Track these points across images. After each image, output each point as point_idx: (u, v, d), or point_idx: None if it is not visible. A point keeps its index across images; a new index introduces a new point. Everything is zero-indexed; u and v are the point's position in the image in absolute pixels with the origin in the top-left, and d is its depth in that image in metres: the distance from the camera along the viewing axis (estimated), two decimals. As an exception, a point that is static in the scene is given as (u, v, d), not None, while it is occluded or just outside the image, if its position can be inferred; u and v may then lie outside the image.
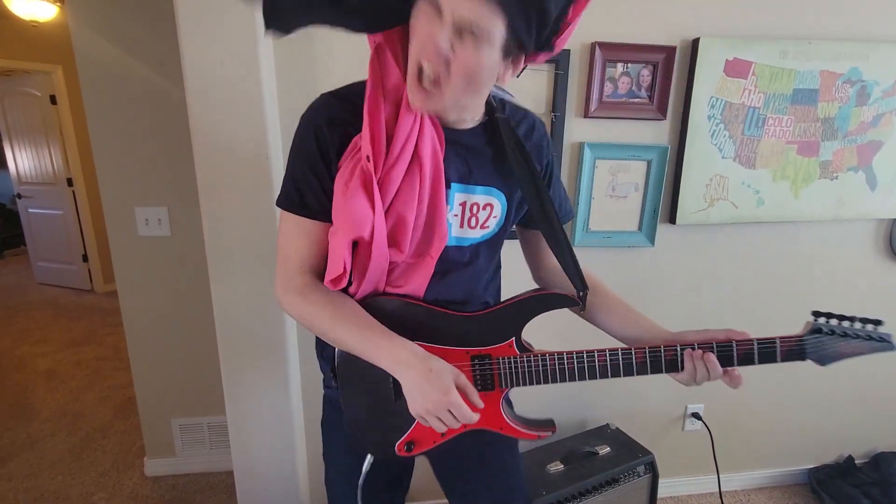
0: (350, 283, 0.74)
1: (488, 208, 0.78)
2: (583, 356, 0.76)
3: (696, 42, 1.43)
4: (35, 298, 4.24)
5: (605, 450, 1.55)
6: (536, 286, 0.94)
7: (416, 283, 0.75)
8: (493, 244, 0.82)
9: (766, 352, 0.74)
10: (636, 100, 1.47)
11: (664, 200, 1.57)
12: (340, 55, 1.34)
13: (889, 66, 1.51)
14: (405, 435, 0.77)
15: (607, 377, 0.77)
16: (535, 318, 0.79)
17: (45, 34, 3.75)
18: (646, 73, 1.45)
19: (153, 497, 1.88)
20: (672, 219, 1.58)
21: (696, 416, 1.81)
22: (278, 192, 0.75)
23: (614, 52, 1.42)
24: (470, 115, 0.73)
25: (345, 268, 0.70)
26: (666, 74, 1.46)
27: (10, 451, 2.15)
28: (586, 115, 1.46)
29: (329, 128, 0.69)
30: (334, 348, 0.79)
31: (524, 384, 0.78)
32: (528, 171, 0.75)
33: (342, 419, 0.81)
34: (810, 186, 1.59)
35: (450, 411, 0.68)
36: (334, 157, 0.70)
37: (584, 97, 1.46)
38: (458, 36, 0.58)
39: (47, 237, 4.43)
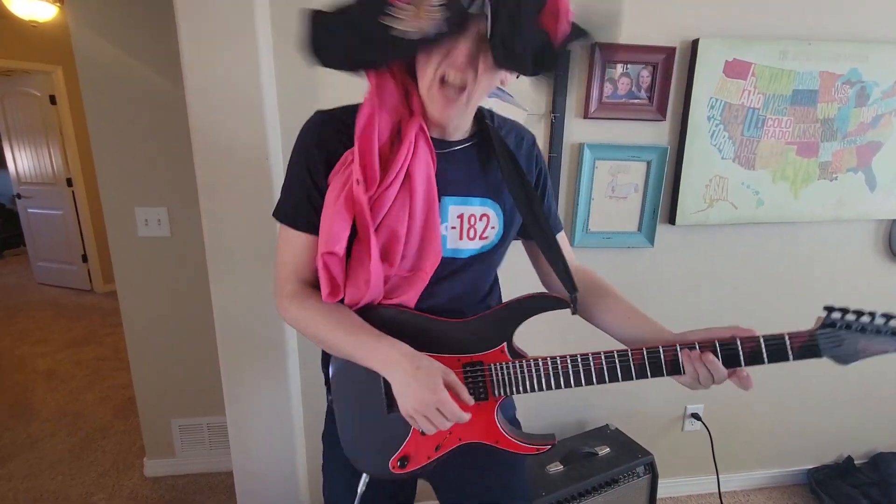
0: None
1: (485, 219, 0.78)
2: (577, 360, 0.74)
3: (695, 43, 1.44)
4: (35, 298, 4.24)
5: (604, 450, 1.56)
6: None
7: (409, 296, 0.75)
8: (491, 256, 0.82)
9: (776, 349, 0.67)
10: (636, 100, 1.47)
11: (664, 201, 1.57)
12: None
13: (888, 67, 1.52)
14: (398, 451, 0.76)
15: (605, 382, 0.74)
16: (537, 322, 0.77)
17: (45, 34, 3.75)
18: (645, 74, 1.46)
19: (153, 497, 1.88)
20: (672, 219, 1.58)
21: (695, 416, 1.82)
22: (277, 193, 0.76)
23: (614, 52, 1.42)
24: (464, 125, 0.76)
25: (334, 283, 0.72)
26: (665, 75, 1.46)
27: (10, 451, 2.15)
28: (586, 115, 1.47)
29: (318, 148, 0.72)
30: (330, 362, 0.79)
31: (518, 391, 0.76)
32: (518, 178, 0.77)
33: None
34: (810, 187, 1.59)
35: (439, 410, 0.67)
36: (322, 176, 0.72)
37: (583, 98, 1.46)
38: (483, 43, 0.62)
39: (47, 237, 4.43)
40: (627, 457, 1.53)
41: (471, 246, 0.79)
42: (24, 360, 3.06)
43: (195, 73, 1.21)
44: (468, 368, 0.76)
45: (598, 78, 1.43)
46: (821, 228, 1.68)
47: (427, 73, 0.66)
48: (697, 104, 1.47)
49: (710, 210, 1.57)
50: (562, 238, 0.88)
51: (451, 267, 0.78)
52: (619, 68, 1.44)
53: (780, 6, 1.46)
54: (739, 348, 0.68)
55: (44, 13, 3.27)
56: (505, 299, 0.83)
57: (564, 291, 0.81)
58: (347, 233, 0.70)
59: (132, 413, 2.35)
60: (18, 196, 4.51)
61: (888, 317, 0.65)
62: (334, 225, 0.69)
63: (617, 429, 1.68)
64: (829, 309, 0.67)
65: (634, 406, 1.79)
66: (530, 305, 0.77)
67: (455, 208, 0.76)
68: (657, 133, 1.53)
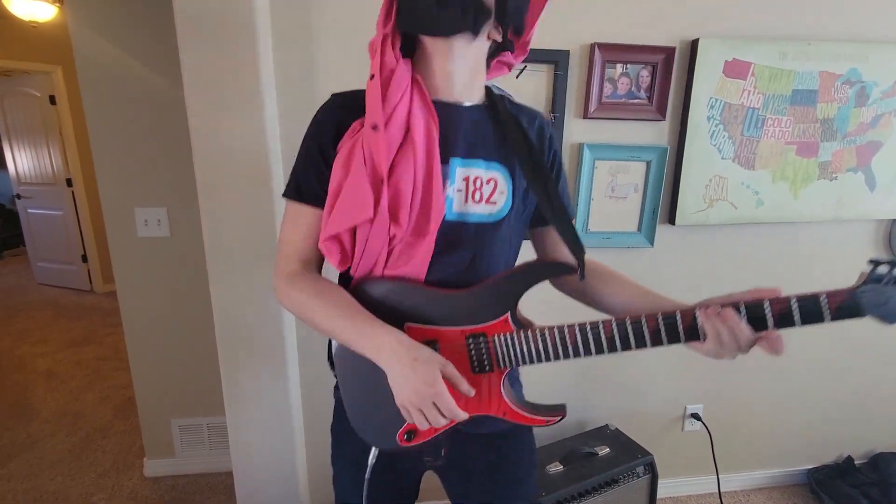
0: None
1: (492, 183, 0.77)
2: (586, 328, 0.70)
3: (695, 43, 1.44)
4: (35, 298, 4.24)
5: (604, 450, 1.56)
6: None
7: (416, 263, 0.74)
8: (501, 228, 0.78)
9: (810, 309, 0.61)
10: (635, 100, 1.47)
11: (663, 201, 1.57)
12: (339, 55, 1.35)
13: (888, 67, 1.52)
14: (405, 424, 0.75)
15: (616, 351, 0.70)
16: (539, 303, 0.75)
17: (45, 34, 3.75)
18: (645, 74, 1.46)
19: (152, 497, 1.88)
20: (671, 219, 1.58)
21: (695, 416, 1.81)
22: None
23: (613, 52, 1.42)
24: (475, 85, 0.77)
25: (343, 248, 0.73)
26: (665, 75, 1.46)
27: (10, 451, 2.15)
28: (586, 115, 1.47)
29: (330, 121, 0.75)
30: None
31: (524, 362, 0.73)
32: (526, 147, 0.77)
33: (349, 427, 0.81)
34: (809, 187, 1.59)
35: (435, 405, 0.65)
36: (331, 147, 0.74)
37: (583, 98, 1.46)
38: None
39: (47, 237, 4.42)
40: (627, 457, 1.53)
41: (477, 210, 0.76)
42: (24, 361, 3.06)
43: (194, 73, 1.21)
44: (471, 340, 0.74)
45: (597, 78, 1.43)
46: (821, 228, 1.68)
47: None
48: (697, 104, 1.47)
49: (710, 210, 1.57)
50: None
51: (459, 234, 0.75)
52: (619, 68, 1.44)
53: (780, 6, 1.46)
54: (767, 309, 0.63)
55: (43, 13, 3.28)
56: None
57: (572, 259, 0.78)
58: (371, 196, 0.69)
59: (132, 413, 2.35)
60: (18, 196, 4.51)
61: None
62: (357, 187, 0.69)
63: (617, 429, 1.68)
64: (875, 262, 0.60)
65: (634, 406, 1.79)
66: (534, 271, 0.75)
67: (462, 170, 0.75)
68: (657, 133, 1.53)
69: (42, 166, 4.24)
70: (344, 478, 0.90)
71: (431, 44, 0.72)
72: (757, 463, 1.95)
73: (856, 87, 1.52)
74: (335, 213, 0.72)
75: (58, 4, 3.29)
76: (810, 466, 1.97)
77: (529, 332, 0.72)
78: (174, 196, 1.73)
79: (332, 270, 0.79)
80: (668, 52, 1.44)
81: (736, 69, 1.45)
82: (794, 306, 0.61)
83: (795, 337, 1.65)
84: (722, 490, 1.84)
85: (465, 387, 0.68)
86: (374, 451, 0.81)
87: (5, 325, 3.64)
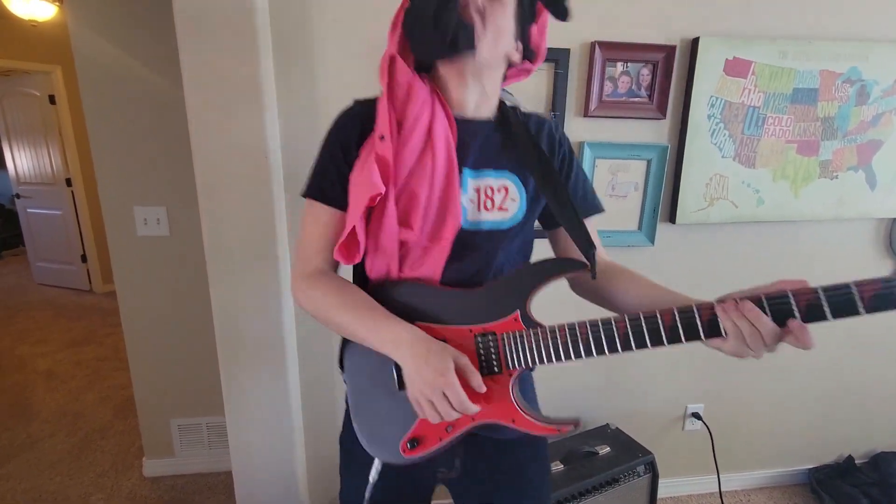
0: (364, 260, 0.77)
1: (503, 191, 0.78)
2: (598, 326, 0.67)
3: (695, 41, 1.43)
4: (34, 298, 4.23)
5: (604, 450, 1.55)
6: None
7: (431, 267, 0.75)
8: (514, 234, 0.79)
9: (842, 301, 0.56)
10: (636, 99, 1.47)
11: (664, 200, 1.57)
12: (339, 55, 1.34)
13: (888, 66, 1.51)
14: (409, 432, 0.75)
15: (631, 349, 0.66)
16: (549, 303, 0.75)
17: (44, 34, 3.75)
18: (645, 73, 1.45)
19: (152, 497, 1.88)
20: (672, 218, 1.58)
21: (696, 416, 1.81)
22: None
23: (614, 51, 1.42)
24: (488, 103, 0.78)
25: (358, 239, 0.74)
26: (666, 74, 1.45)
27: (10, 451, 2.15)
28: (586, 114, 1.46)
29: (352, 121, 0.77)
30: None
31: (535, 363, 0.71)
32: (536, 155, 0.78)
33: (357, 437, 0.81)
34: (810, 186, 1.59)
35: (445, 396, 0.65)
36: (354, 146, 0.75)
37: (583, 96, 1.46)
38: None
39: (46, 237, 4.42)
40: (628, 456, 1.53)
41: (490, 217, 0.77)
42: (23, 361, 3.05)
43: (194, 73, 1.21)
44: (480, 339, 0.73)
45: (598, 76, 1.43)
46: (821, 227, 1.68)
47: None
48: (698, 103, 1.47)
49: (711, 209, 1.56)
50: (590, 224, 0.86)
51: (474, 240, 0.77)
52: (620, 67, 1.44)
53: (781, 5, 1.46)
54: (793, 303, 0.58)
55: (43, 13, 3.28)
56: None
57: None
58: (380, 178, 0.71)
59: (131, 413, 2.35)
60: (18, 196, 4.51)
61: None
62: (371, 174, 0.71)
63: (617, 428, 1.68)
64: None
65: (635, 406, 1.79)
66: (543, 268, 0.74)
67: (473, 181, 0.77)
68: (657, 131, 1.53)
69: (41, 166, 4.23)
70: (350, 489, 0.89)
71: (443, 66, 0.75)
72: (757, 462, 1.95)
73: (856, 85, 1.52)
74: (352, 199, 0.74)
75: (57, 4, 3.29)
76: (811, 466, 1.97)
77: (539, 331, 0.71)
78: (174, 196, 1.72)
79: (346, 272, 0.81)
80: (669, 50, 1.44)
81: (736, 68, 1.45)
82: (822, 297, 0.57)
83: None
84: (722, 489, 1.84)
85: (476, 380, 0.68)
86: (376, 466, 0.79)
87: (5, 325, 3.63)
